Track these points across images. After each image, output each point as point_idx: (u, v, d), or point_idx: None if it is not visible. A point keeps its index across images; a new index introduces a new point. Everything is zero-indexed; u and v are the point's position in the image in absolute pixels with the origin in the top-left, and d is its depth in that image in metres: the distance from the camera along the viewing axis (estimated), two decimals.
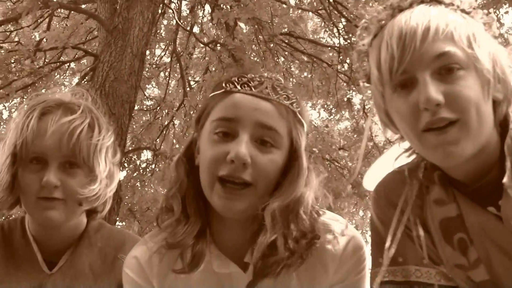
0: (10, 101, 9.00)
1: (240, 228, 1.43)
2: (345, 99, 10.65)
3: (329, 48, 10.21)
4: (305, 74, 10.95)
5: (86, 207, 1.65)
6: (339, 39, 9.60)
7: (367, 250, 1.49)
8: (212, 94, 1.46)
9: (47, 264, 1.64)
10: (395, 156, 1.47)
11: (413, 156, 1.43)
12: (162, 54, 11.57)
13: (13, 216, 1.97)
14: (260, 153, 1.35)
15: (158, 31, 10.66)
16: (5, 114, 10.40)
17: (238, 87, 1.39)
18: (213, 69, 9.87)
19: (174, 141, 10.48)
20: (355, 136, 11.72)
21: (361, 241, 1.48)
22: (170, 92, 10.79)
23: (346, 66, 9.75)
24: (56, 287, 1.59)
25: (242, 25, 9.61)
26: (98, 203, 1.66)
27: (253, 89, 1.39)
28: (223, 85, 1.42)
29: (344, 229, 1.46)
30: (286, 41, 10.10)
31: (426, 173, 1.39)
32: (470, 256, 1.29)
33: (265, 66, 8.93)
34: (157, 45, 11.34)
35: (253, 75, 1.41)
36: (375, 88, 1.31)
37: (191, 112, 10.11)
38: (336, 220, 1.50)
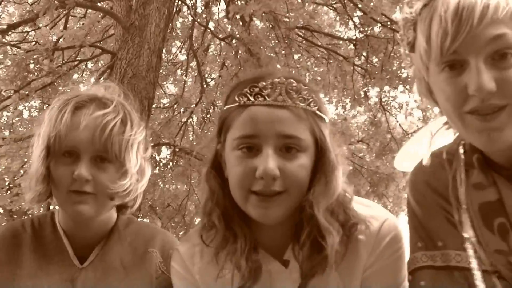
0: (30, 101, 9.06)
1: (278, 227, 1.42)
2: (362, 93, 10.61)
3: (346, 41, 10.16)
4: (321, 69, 10.93)
5: (117, 202, 1.65)
6: (355, 31, 9.56)
7: (403, 230, 1.47)
8: (227, 107, 1.43)
9: (78, 258, 1.64)
10: (429, 136, 1.44)
11: (450, 133, 1.40)
12: (178, 51, 11.60)
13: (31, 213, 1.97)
14: (287, 162, 1.33)
15: (173, 29, 10.68)
16: (25, 114, 10.47)
17: (252, 99, 1.36)
18: (230, 64, 9.87)
19: (194, 137, 10.52)
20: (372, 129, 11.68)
21: (395, 223, 1.46)
22: (187, 89, 10.80)
23: (362, 59, 9.71)
24: (88, 280, 1.60)
25: (257, 22, 9.62)
26: (129, 199, 1.66)
27: (267, 98, 1.35)
28: (236, 98, 1.39)
29: (376, 213, 1.45)
30: (302, 35, 10.07)
31: (465, 157, 1.37)
32: (510, 241, 1.25)
33: (282, 62, 8.90)
34: (173, 43, 11.36)
35: (264, 83, 1.37)
36: (420, 60, 1.27)
37: (209, 109, 10.15)
38: (367, 205, 1.49)
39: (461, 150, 1.38)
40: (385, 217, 1.44)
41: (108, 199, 1.60)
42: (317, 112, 1.40)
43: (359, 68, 9.88)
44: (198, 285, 1.50)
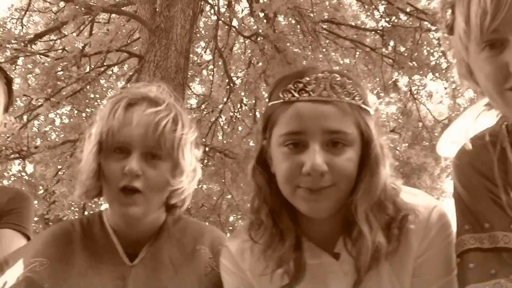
0: (61, 108, 9.17)
1: (328, 220, 1.41)
2: (390, 82, 10.53)
3: (372, 32, 10.09)
4: (347, 61, 10.87)
5: (172, 201, 1.65)
6: (380, 21, 9.49)
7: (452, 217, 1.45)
8: (271, 103, 1.43)
9: (127, 256, 1.64)
10: (471, 119, 1.42)
11: (491, 115, 1.38)
12: (203, 52, 11.66)
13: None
14: (334, 156, 1.32)
15: (198, 29, 10.71)
16: (57, 121, 10.58)
17: (296, 95, 1.35)
18: (256, 62, 9.87)
19: (223, 136, 10.56)
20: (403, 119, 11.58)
21: (443, 210, 1.45)
22: (214, 88, 10.83)
23: (390, 48, 9.63)
24: (138, 278, 1.59)
25: (281, 18, 9.60)
26: (181, 198, 1.67)
27: (311, 93, 1.34)
28: (280, 95, 1.38)
29: (424, 202, 1.44)
30: (328, 28, 10.03)
31: (509, 138, 1.34)
32: None
33: (309, 57, 8.88)
34: (198, 44, 11.40)
35: (308, 78, 1.36)
36: (460, 41, 1.25)
37: (237, 107, 10.16)
38: (414, 194, 1.47)
39: (504, 131, 1.36)
40: (433, 205, 1.43)
41: (156, 197, 1.60)
42: (362, 105, 1.39)
43: (387, 58, 9.79)
44: (249, 280, 1.50)
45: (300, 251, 1.41)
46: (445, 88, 10.06)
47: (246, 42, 11.18)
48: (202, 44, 11.58)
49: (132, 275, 1.59)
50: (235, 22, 10.51)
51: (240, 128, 10.76)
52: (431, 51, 9.02)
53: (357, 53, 10.31)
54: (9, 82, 2.10)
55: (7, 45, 7.48)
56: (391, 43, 9.35)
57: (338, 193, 1.34)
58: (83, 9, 6.73)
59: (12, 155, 7.80)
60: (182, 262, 1.65)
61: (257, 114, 10.64)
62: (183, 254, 1.67)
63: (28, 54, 7.73)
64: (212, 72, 11.05)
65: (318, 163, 1.29)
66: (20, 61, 8.63)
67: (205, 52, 11.65)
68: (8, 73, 2.08)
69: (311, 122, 1.32)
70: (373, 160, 1.37)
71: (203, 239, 1.72)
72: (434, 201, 1.46)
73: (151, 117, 1.56)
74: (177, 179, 1.58)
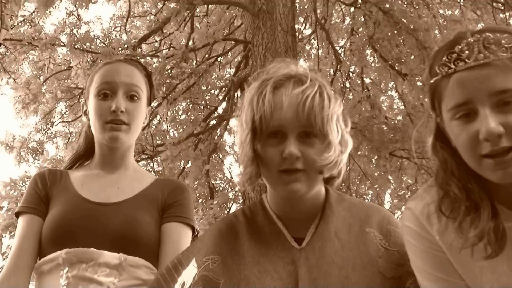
0: (178, 104, 9.41)
1: None
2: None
3: None
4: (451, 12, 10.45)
5: (326, 175, 1.64)
6: None
7: None
8: (432, 80, 1.41)
9: (295, 240, 1.64)
10: None
11: None
12: (303, 27, 11.58)
13: None
14: (508, 115, 1.27)
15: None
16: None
17: (453, 66, 1.33)
18: (359, 28, 9.69)
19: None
20: None
21: None
22: (320, 62, 10.74)
23: None
24: (309, 260, 1.59)
25: None
26: (336, 171, 1.66)
27: (467, 61, 1.30)
28: (437, 70, 1.37)
29: None
30: None
31: None
32: None
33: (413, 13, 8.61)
34: (296, 20, 11.33)
35: (459, 46, 1.32)
36: None
37: (346, 79, 10.04)
38: None
39: None
40: None
41: (317, 173, 1.60)
42: None
43: (496, 2, 9.32)
44: (439, 245, 1.47)
45: (497, 218, 1.37)
46: None
47: (344, 9, 11.01)
48: (300, 19, 11.49)
49: (302, 258, 1.60)
50: None
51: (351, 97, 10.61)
52: None
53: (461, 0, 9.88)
54: (148, 75, 2.17)
55: (118, 52, 7.77)
56: None
57: None
58: (185, 4, 6.83)
59: (139, 157, 8.12)
60: (349, 239, 1.64)
61: (365, 80, 10.52)
62: (349, 232, 1.66)
63: (139, 57, 7.97)
64: (317, 46, 10.94)
65: (491, 126, 1.25)
66: None
67: (304, 27, 11.59)
68: None
69: (475, 89, 1.29)
70: None
71: (371, 220, 1.70)
72: None
73: (300, 97, 1.57)
74: (325, 155, 1.57)
